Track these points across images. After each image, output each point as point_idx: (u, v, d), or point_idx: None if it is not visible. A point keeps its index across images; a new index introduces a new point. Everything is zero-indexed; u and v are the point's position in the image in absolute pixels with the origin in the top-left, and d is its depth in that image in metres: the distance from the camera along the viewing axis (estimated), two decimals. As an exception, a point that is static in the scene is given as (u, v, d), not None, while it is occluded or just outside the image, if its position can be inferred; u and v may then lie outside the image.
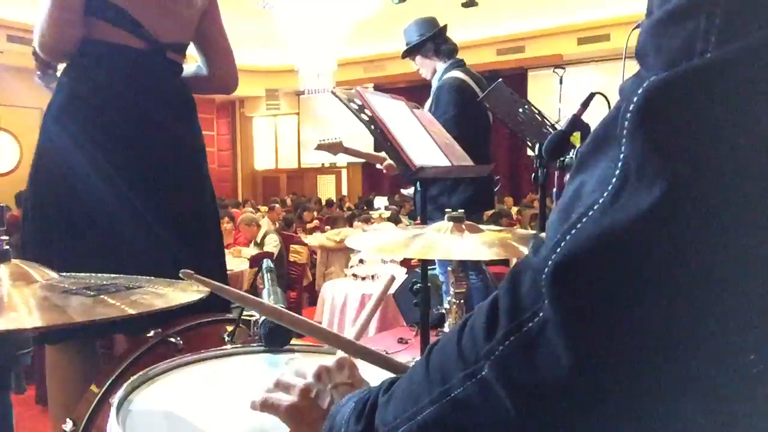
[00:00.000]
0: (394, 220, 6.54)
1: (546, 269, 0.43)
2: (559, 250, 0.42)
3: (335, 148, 3.23)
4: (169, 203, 1.73)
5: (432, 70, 3.45)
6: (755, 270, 0.38)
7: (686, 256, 0.38)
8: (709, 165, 0.37)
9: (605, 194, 0.41)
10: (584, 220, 0.42)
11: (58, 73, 1.80)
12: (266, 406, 0.76)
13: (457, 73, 3.34)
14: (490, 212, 6.43)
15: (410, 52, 3.49)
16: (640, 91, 0.40)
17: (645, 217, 0.38)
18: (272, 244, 5.65)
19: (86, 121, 1.66)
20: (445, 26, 3.49)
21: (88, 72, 1.69)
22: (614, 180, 0.41)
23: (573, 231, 0.42)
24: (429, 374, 0.53)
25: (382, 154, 2.92)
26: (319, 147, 3.28)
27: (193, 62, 2.00)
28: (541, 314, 0.43)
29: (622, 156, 0.40)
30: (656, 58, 0.41)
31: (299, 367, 0.81)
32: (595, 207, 0.41)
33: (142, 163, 1.70)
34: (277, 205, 8.81)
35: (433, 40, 3.42)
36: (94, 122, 1.66)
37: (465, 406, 0.49)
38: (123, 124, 1.68)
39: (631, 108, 0.40)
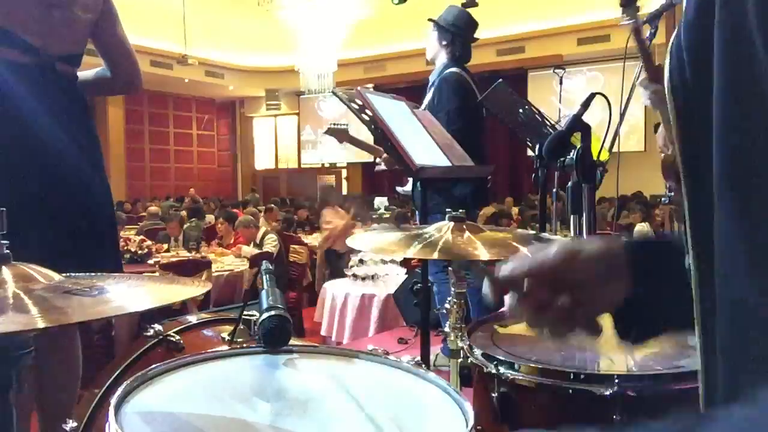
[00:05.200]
0: (404, 218, 6.39)
1: None
2: None
3: (342, 135, 3.25)
4: (55, 203, 1.81)
5: (435, 56, 3.47)
6: None
7: None
8: None
9: None
10: None
11: None
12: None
13: (457, 69, 3.39)
14: (489, 212, 6.41)
15: (435, 26, 3.49)
16: None
17: None
18: (271, 244, 5.66)
19: None
20: (476, 38, 3.53)
21: None
22: None
23: None
24: None
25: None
26: (329, 131, 3.32)
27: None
28: None
29: None
30: None
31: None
32: None
33: (26, 166, 1.78)
34: (274, 207, 8.80)
35: (462, 36, 3.45)
36: None
37: None
38: (5, 132, 1.75)
39: None
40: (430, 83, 3.45)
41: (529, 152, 2.61)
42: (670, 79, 0.59)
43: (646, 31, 2.12)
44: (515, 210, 9.22)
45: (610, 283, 0.72)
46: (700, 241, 0.57)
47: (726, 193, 0.52)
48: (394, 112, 2.18)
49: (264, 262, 1.29)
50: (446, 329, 1.49)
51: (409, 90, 10.45)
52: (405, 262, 4.91)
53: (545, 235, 1.52)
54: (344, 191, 16.20)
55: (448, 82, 3.31)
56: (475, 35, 3.57)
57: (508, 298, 0.76)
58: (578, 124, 1.84)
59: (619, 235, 0.82)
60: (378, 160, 3.13)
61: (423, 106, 3.29)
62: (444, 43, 3.43)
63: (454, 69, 3.38)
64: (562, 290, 0.72)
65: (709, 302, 0.56)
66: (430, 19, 3.51)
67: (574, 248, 0.73)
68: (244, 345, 1.19)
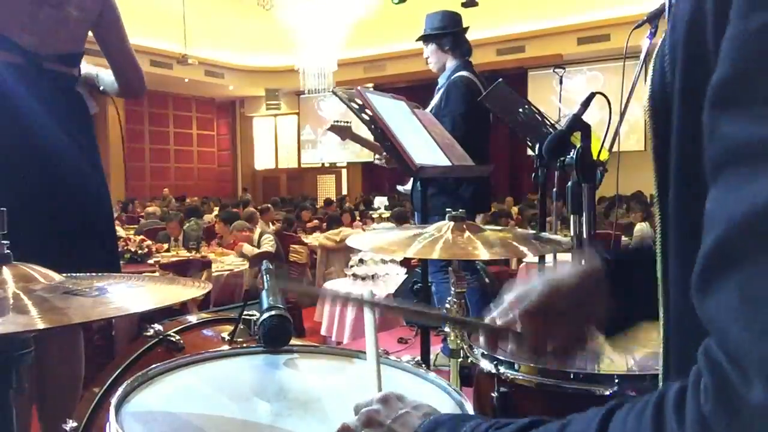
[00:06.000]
0: (403, 217, 6.38)
1: None
2: None
3: (345, 132, 3.25)
4: (54, 203, 1.81)
5: (442, 64, 3.47)
6: None
7: None
8: None
9: None
10: None
11: None
12: None
13: (467, 73, 3.38)
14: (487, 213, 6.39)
15: (428, 39, 3.49)
16: None
17: None
18: (269, 243, 5.66)
19: None
20: (467, 28, 3.53)
21: None
22: None
23: None
24: None
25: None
26: (332, 128, 3.32)
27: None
28: None
29: None
30: None
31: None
32: None
33: (25, 166, 1.78)
34: (270, 207, 8.78)
35: (455, 35, 3.45)
36: None
37: None
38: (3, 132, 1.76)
39: None
40: (438, 86, 3.44)
41: (529, 152, 2.60)
42: (651, 86, 0.59)
43: (646, 31, 2.11)
44: (515, 210, 9.22)
45: (593, 303, 0.78)
46: (666, 252, 0.59)
47: (678, 211, 0.54)
48: (394, 112, 2.18)
49: (264, 261, 1.29)
50: (446, 329, 1.49)
51: (409, 90, 10.46)
52: (405, 262, 4.91)
53: (545, 234, 1.52)
54: (344, 191, 16.20)
55: (457, 86, 3.30)
56: (475, 35, 3.57)
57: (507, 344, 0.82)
58: (578, 123, 1.84)
59: (596, 250, 0.86)
60: (377, 157, 3.12)
61: (429, 108, 3.29)
62: (447, 47, 3.44)
63: (463, 73, 3.37)
64: (553, 321, 0.78)
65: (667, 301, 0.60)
66: (421, 38, 3.52)
67: (555, 282, 0.79)
68: (244, 345, 1.19)
